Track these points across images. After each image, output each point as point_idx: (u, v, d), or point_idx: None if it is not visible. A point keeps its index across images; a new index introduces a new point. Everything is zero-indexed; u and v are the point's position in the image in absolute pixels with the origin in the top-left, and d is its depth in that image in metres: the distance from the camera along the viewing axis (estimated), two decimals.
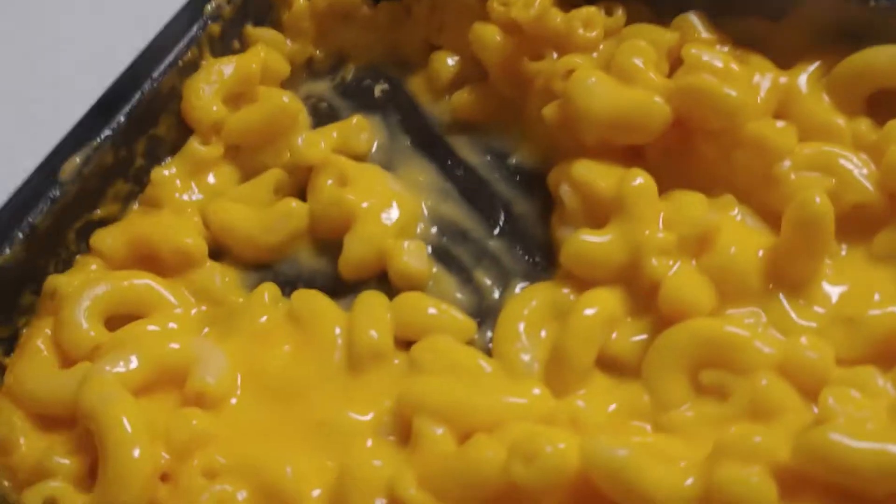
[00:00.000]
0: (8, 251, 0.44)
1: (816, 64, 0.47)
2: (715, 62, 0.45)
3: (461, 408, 0.38)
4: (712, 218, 0.41)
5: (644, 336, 0.41)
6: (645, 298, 0.41)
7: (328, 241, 0.48)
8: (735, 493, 0.33)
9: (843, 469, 0.33)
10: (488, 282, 0.46)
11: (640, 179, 0.42)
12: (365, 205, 0.47)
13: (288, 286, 0.47)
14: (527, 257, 0.47)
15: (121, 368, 0.41)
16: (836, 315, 0.40)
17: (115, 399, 0.39)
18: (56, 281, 0.45)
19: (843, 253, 0.43)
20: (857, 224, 0.43)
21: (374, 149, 0.52)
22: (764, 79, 0.47)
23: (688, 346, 0.39)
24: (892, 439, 0.33)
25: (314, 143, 0.49)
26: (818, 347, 0.37)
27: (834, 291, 0.41)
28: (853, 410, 0.34)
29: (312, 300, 0.44)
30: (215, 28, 0.53)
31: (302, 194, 0.50)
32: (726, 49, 0.49)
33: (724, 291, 0.41)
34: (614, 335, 0.41)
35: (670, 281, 0.40)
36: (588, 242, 0.42)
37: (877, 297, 0.41)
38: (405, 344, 0.43)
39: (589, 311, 0.40)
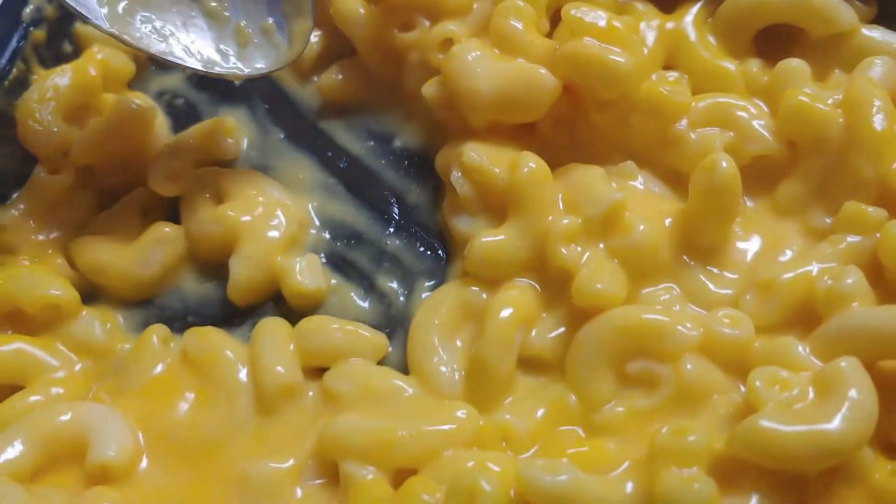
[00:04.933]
0: None
1: (700, 3, 0.45)
2: (598, 22, 0.42)
3: (387, 445, 0.36)
4: (615, 196, 0.39)
5: (562, 329, 0.39)
6: (558, 289, 0.40)
7: (213, 264, 0.44)
8: (679, 499, 0.32)
9: (777, 455, 0.33)
10: (393, 286, 0.44)
11: (532, 164, 0.40)
12: (246, 219, 0.43)
13: (177, 321, 0.43)
14: (428, 252, 0.44)
15: (7, 457, 0.37)
16: (751, 282, 0.39)
17: (5, 498, 0.35)
18: None
19: (750, 205, 0.42)
20: (759, 175, 0.42)
21: (244, 148, 0.48)
22: (650, 28, 0.45)
23: (609, 340, 0.37)
24: (820, 419, 0.33)
25: (173, 174, 0.44)
26: (738, 323, 0.37)
27: (745, 251, 0.41)
28: (780, 392, 0.34)
29: (206, 339, 0.41)
30: (39, 34, 0.46)
31: (174, 212, 0.45)
32: None
33: (637, 272, 0.39)
34: (533, 333, 0.40)
35: (582, 274, 0.38)
36: (490, 243, 0.40)
37: (788, 253, 0.40)
38: (316, 372, 0.41)
39: (504, 314, 0.39)
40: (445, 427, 0.36)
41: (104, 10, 0.41)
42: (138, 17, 0.42)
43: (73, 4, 0.41)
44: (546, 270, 0.40)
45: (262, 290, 0.43)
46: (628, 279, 0.39)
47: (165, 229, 0.44)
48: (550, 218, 0.40)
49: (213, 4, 0.44)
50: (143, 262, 0.43)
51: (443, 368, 0.39)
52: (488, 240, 0.40)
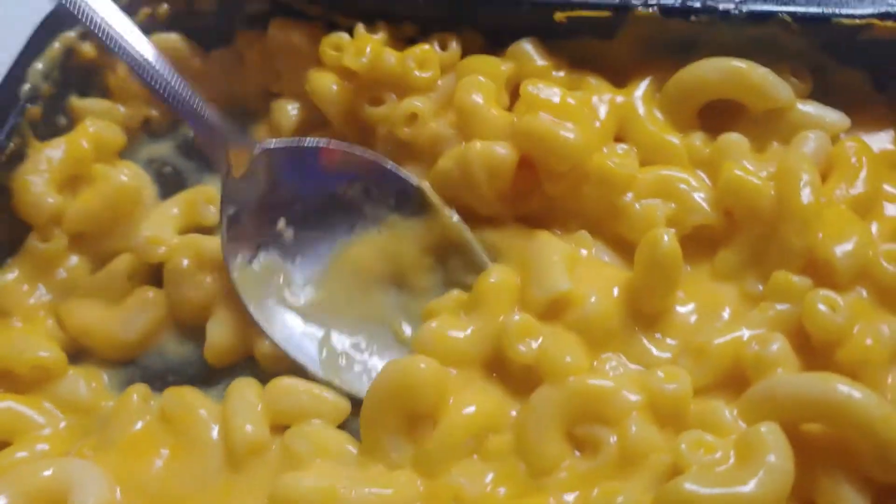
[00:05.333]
0: None
1: (649, 79, 0.48)
2: (552, 98, 0.45)
3: None
4: (562, 286, 0.41)
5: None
6: (517, 381, 0.42)
7: (192, 326, 0.47)
8: None
9: None
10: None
11: (495, 277, 0.43)
12: (219, 284, 0.46)
13: (158, 380, 0.46)
14: None
15: None
16: (687, 346, 0.41)
17: None
18: None
19: (691, 271, 0.45)
20: (700, 242, 0.45)
21: None
22: (601, 101, 0.47)
23: (558, 406, 0.39)
24: (737, 482, 0.35)
25: (157, 241, 0.47)
26: (675, 378, 0.39)
27: (685, 316, 0.43)
28: (704, 455, 0.37)
29: (184, 399, 0.44)
30: (35, 110, 0.50)
31: (158, 276, 0.48)
32: (562, 73, 0.49)
33: (591, 341, 0.42)
34: None
35: (548, 354, 0.40)
36: (441, 330, 0.42)
37: (725, 314, 0.42)
38: (284, 428, 0.43)
39: (466, 413, 0.40)
40: (387, 491, 0.38)
41: (323, 355, 0.44)
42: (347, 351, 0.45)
43: (293, 355, 0.44)
44: (504, 364, 0.42)
45: (236, 352, 0.46)
46: (587, 349, 0.41)
47: (149, 294, 0.47)
48: (502, 318, 0.42)
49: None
50: (126, 326, 0.46)
51: (391, 439, 0.41)
52: (438, 325, 0.42)
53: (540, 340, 0.41)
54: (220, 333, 0.46)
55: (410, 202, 0.46)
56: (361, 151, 0.47)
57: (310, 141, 0.47)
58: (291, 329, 0.45)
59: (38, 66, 0.50)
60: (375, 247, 0.46)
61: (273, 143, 0.47)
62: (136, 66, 0.45)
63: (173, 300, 0.47)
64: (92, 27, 0.45)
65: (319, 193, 0.46)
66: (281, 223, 0.46)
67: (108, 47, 0.45)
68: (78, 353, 0.47)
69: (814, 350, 0.39)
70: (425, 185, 0.46)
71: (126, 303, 0.47)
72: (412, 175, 0.47)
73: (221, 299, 0.46)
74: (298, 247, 0.46)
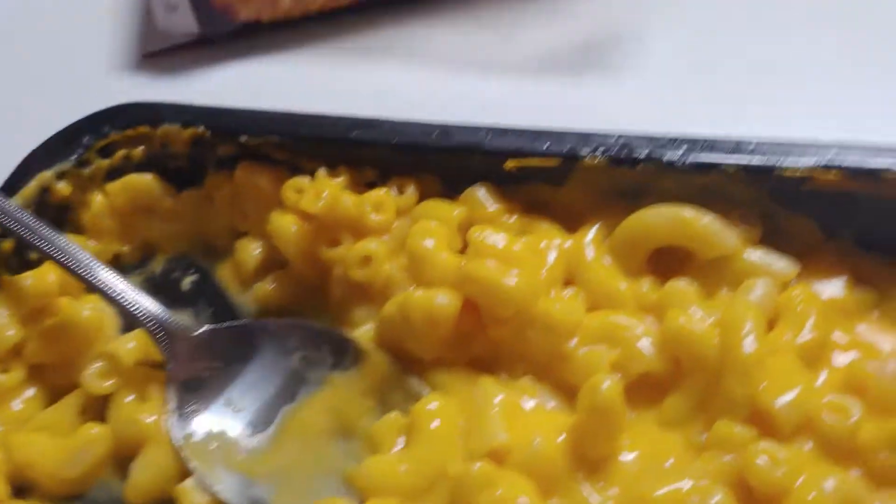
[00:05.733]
0: None
1: (599, 224, 0.49)
2: (497, 244, 0.46)
3: None
4: (498, 439, 0.42)
5: None
6: None
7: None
8: None
9: None
10: None
11: (435, 405, 0.43)
12: (152, 419, 0.47)
13: None
14: None
15: None
16: (628, 496, 0.40)
17: None
18: None
19: (637, 417, 0.44)
20: (649, 388, 0.44)
21: None
22: (551, 246, 0.48)
23: None
24: None
25: (102, 375, 0.48)
26: None
27: (630, 464, 0.42)
28: None
29: None
30: (8, 245, 0.51)
31: None
32: (514, 218, 0.50)
33: (539, 485, 0.41)
34: None
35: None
36: (382, 467, 0.42)
37: (668, 463, 0.42)
38: None
39: None
40: None
41: None
42: None
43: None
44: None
45: (161, 495, 0.45)
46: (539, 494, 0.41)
47: (93, 430, 0.47)
48: (461, 468, 0.41)
49: None
50: (70, 462, 0.46)
51: None
52: (377, 461, 0.42)
53: (500, 492, 0.40)
54: (143, 474, 0.45)
55: (347, 356, 0.47)
56: (292, 322, 0.49)
57: (242, 321, 0.51)
58: (242, 491, 0.45)
59: (13, 203, 0.52)
60: (319, 407, 0.47)
61: (209, 327, 0.49)
62: (68, 264, 0.48)
63: (114, 435, 0.47)
64: (14, 227, 0.48)
65: (260, 367, 0.48)
66: (226, 398, 0.48)
67: (37, 247, 0.48)
68: (24, 487, 0.47)
69: (757, 502, 0.38)
70: (364, 333, 0.47)
71: (70, 439, 0.47)
72: (343, 329, 0.49)
73: (153, 438, 0.46)
74: (245, 419, 0.47)
